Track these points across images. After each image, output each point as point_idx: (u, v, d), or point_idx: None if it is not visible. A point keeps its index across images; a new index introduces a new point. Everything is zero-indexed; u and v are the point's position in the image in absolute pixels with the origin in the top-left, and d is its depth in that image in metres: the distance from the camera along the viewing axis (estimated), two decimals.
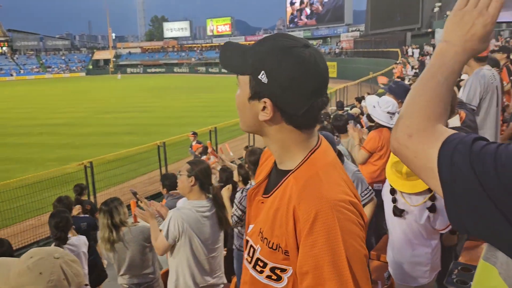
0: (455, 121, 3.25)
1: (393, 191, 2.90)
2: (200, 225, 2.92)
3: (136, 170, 10.87)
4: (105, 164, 10.05)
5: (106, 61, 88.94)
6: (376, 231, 4.12)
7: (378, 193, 3.92)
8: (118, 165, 10.31)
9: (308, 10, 70.07)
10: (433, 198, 2.76)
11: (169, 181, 5.16)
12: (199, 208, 2.94)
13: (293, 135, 1.10)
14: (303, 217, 0.99)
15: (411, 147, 0.87)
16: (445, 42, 0.93)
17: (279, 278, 1.08)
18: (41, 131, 19.42)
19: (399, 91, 4.57)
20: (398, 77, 18.20)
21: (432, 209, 2.74)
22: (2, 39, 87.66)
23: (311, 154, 1.10)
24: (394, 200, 2.87)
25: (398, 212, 2.84)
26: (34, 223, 8.19)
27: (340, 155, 3.60)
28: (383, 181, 4.17)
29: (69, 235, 4.02)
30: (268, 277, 1.08)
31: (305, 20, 69.79)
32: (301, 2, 70.43)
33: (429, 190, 2.76)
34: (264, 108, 1.07)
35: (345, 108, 14.29)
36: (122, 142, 15.36)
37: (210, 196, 3.06)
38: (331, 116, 7.39)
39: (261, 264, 1.10)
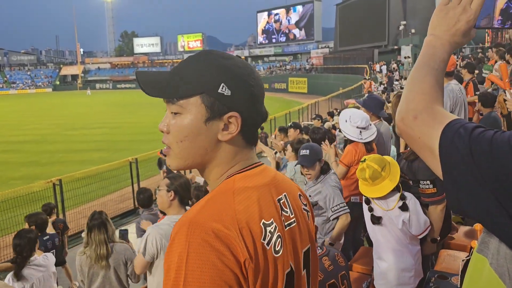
0: None
1: (367, 201, 2.98)
2: None
3: (107, 188, 10.60)
4: (74, 181, 9.75)
5: (74, 77, 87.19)
6: (354, 243, 4.15)
7: (356, 205, 3.97)
8: (88, 183, 10.03)
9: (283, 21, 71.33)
10: (403, 197, 2.84)
11: (144, 196, 5.09)
12: None
13: (240, 157, 1.02)
14: (171, 235, 0.91)
15: (416, 128, 0.92)
16: (432, 36, 1.00)
17: None
18: (4, 149, 18.73)
19: (372, 104, 4.67)
20: (368, 92, 18.66)
21: (404, 207, 2.81)
22: None
23: (228, 178, 1.00)
24: (371, 209, 2.95)
25: (376, 220, 2.90)
26: None
27: (326, 165, 3.70)
28: (360, 194, 4.22)
29: (36, 255, 3.86)
30: None
31: (286, 24, 70.44)
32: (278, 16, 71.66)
33: (397, 189, 2.85)
34: (225, 125, 0.98)
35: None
36: (91, 159, 15.00)
37: None
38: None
39: None
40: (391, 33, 39.82)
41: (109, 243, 3.53)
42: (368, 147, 4.22)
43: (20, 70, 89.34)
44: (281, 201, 1.03)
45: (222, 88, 0.96)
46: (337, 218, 3.57)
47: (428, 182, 2.94)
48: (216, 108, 0.97)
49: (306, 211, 1.13)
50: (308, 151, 3.57)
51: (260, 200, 0.97)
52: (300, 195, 1.14)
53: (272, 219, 0.97)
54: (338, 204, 3.56)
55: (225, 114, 0.97)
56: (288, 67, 61.82)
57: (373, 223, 2.92)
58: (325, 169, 3.68)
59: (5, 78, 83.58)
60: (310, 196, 3.62)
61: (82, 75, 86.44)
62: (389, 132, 4.89)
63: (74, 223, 8.79)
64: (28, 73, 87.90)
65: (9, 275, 3.57)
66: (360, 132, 4.18)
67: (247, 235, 0.90)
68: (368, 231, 3.07)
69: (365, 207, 3.02)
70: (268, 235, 0.94)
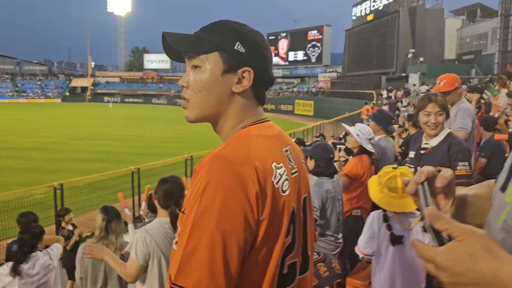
0: None
1: (386, 218, 2.65)
2: (168, 242, 2.75)
3: (106, 196, 10.57)
4: (75, 188, 9.75)
5: (84, 89, 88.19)
6: (351, 257, 4.07)
7: (357, 219, 3.92)
8: (88, 190, 10.02)
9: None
10: None
11: (151, 201, 5.05)
12: (166, 225, 2.78)
13: (251, 111, 1.17)
14: (195, 169, 1.02)
15: None
16: None
17: None
18: (10, 155, 18.81)
19: (381, 118, 4.74)
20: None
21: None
22: None
23: (243, 128, 1.14)
24: (390, 228, 2.61)
25: (398, 239, 2.55)
26: None
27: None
28: (361, 208, 4.13)
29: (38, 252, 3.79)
30: (176, 242, 1.03)
31: (295, 47, 71.36)
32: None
33: None
34: (239, 79, 1.13)
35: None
36: (94, 169, 14.98)
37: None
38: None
39: (176, 231, 1.06)
40: (399, 60, 40.12)
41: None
42: (373, 160, 4.21)
43: (32, 79, 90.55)
44: (287, 152, 1.17)
45: (238, 46, 1.12)
46: None
47: (466, 163, 2.71)
48: (232, 62, 1.12)
49: (304, 164, 1.28)
50: None
51: (272, 147, 1.11)
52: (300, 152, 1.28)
53: (282, 164, 1.11)
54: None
55: (240, 69, 1.12)
56: (295, 89, 62.19)
57: (394, 243, 2.57)
58: (334, 171, 3.68)
59: (16, 87, 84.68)
60: None
61: (92, 87, 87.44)
62: (394, 149, 4.95)
63: None
64: (39, 83, 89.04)
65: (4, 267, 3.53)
66: (370, 143, 4.25)
67: (260, 172, 1.03)
68: (381, 253, 2.66)
69: (381, 225, 2.65)
70: (278, 176, 1.08)
